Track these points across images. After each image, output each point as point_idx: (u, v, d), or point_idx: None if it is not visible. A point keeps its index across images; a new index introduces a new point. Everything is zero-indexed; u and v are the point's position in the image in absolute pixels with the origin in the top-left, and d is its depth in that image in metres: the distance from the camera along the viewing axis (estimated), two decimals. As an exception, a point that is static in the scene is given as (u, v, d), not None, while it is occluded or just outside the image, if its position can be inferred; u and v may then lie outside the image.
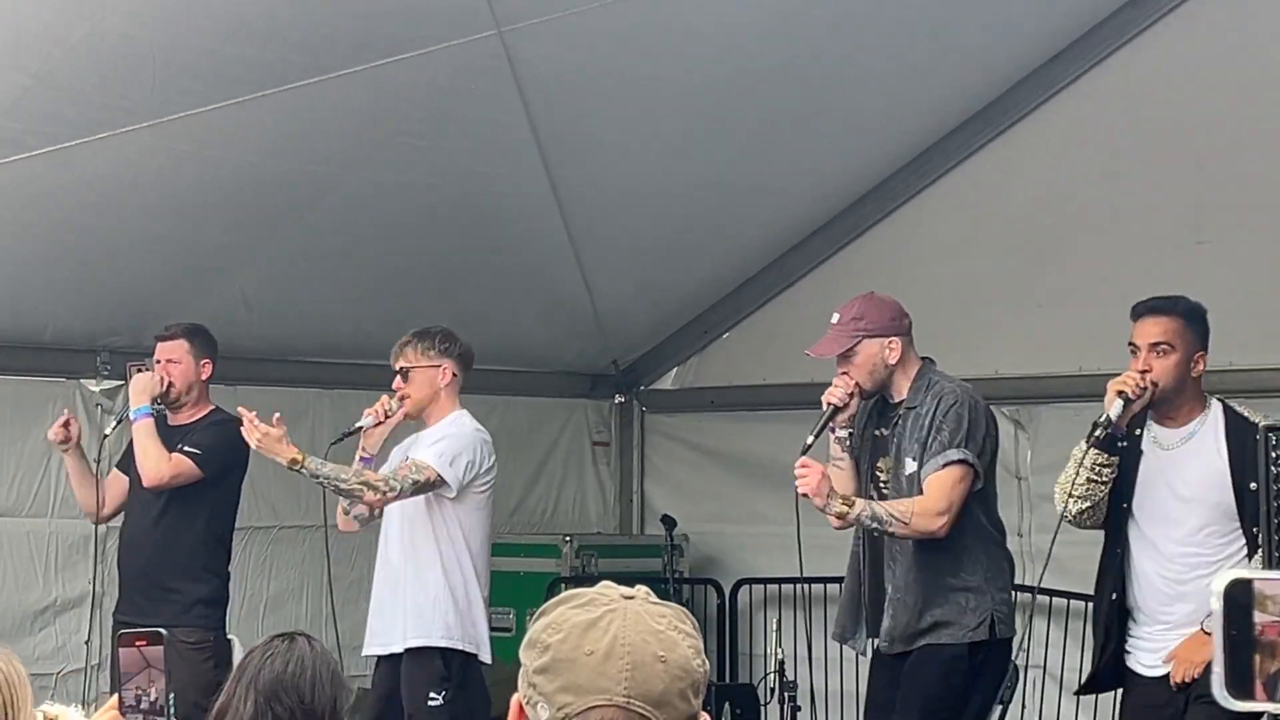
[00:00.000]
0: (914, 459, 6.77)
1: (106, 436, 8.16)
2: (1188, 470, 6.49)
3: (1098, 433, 6.36)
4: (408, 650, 7.47)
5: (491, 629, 7.64)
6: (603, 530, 10.84)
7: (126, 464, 8.08)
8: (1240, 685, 2.12)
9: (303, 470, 7.30)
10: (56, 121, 7.44)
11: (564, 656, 2.30)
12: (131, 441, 7.98)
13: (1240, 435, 6.38)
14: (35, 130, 7.46)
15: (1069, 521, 6.54)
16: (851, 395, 6.83)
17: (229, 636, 7.93)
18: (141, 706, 3.17)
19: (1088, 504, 6.49)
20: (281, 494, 9.14)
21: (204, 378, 8.03)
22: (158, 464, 7.79)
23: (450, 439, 7.50)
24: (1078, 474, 6.45)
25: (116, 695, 3.15)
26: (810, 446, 6.79)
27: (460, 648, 7.46)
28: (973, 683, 6.73)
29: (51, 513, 8.78)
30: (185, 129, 7.64)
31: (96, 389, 8.93)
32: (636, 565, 9.96)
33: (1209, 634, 6.27)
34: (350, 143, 8.25)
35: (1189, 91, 8.84)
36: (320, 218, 8.67)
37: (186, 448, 7.85)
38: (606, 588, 2.38)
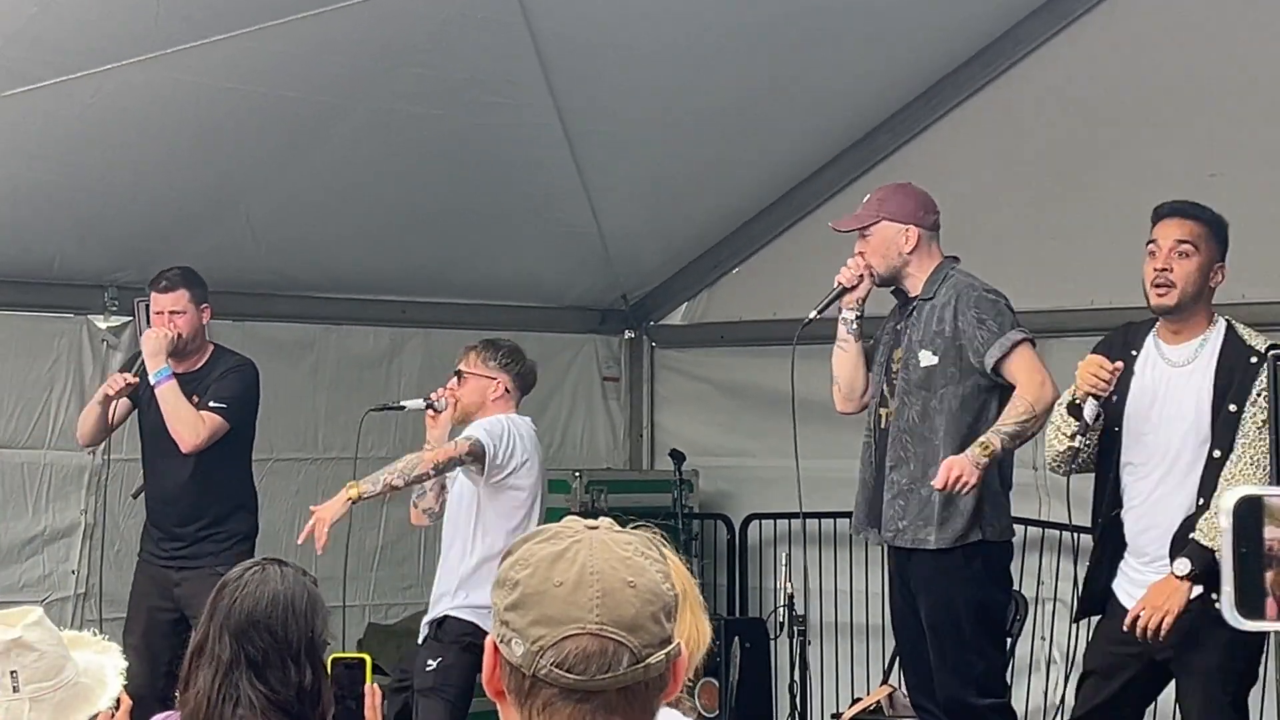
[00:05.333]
0: (934, 353, 6.69)
1: (134, 385, 8.08)
2: (1178, 390, 6.31)
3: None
4: None
5: (500, 566, 7.69)
6: (612, 465, 10.82)
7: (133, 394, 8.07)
8: (1251, 604, 2.08)
9: (362, 498, 7.39)
10: (62, 51, 7.39)
11: (533, 590, 2.31)
12: (135, 368, 7.99)
13: (1231, 357, 6.23)
14: (41, 60, 7.40)
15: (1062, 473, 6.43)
16: (861, 277, 6.81)
17: None
18: None
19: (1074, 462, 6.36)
20: (277, 427, 9.13)
21: (205, 322, 8.07)
22: (194, 429, 7.85)
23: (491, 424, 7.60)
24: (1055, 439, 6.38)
25: None
26: (811, 321, 6.86)
27: None
28: (981, 586, 6.70)
29: (47, 444, 8.78)
30: (191, 59, 7.58)
31: (104, 325, 8.91)
32: (646, 500, 9.93)
33: (1180, 579, 6.19)
34: (356, 74, 8.18)
35: (1201, 23, 8.77)
36: (327, 150, 8.61)
37: (213, 403, 7.92)
38: (570, 521, 2.40)
